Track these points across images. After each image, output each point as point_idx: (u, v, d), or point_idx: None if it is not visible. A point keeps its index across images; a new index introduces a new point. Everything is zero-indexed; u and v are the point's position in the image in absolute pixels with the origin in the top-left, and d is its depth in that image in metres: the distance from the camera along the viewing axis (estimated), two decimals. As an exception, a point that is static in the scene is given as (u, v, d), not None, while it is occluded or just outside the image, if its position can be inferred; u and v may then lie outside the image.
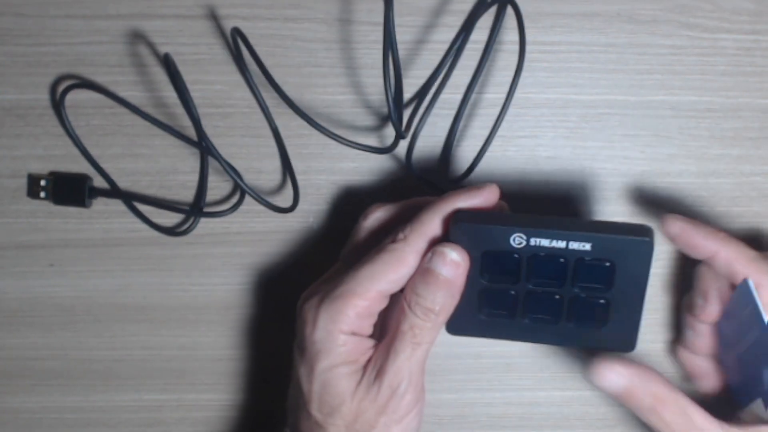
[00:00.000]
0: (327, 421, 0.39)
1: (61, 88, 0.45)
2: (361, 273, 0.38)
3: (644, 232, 0.36)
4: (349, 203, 0.46)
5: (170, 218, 0.47)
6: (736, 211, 0.46)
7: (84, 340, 0.48)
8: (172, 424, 0.49)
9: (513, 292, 0.39)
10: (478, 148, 0.45)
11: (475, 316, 0.40)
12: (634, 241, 0.36)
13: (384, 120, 0.45)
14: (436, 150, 0.46)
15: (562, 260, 0.37)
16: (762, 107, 0.45)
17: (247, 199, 0.46)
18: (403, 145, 0.45)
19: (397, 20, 0.42)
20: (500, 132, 0.45)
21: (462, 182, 0.45)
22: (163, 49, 0.44)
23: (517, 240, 0.37)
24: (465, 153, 0.46)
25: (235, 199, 0.46)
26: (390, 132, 0.45)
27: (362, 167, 0.46)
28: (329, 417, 0.39)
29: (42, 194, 0.46)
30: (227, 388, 0.48)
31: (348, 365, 0.39)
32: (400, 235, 0.38)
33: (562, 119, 0.46)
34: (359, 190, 0.46)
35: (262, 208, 0.46)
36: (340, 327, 0.38)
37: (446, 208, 0.39)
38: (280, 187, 0.46)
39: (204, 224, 0.46)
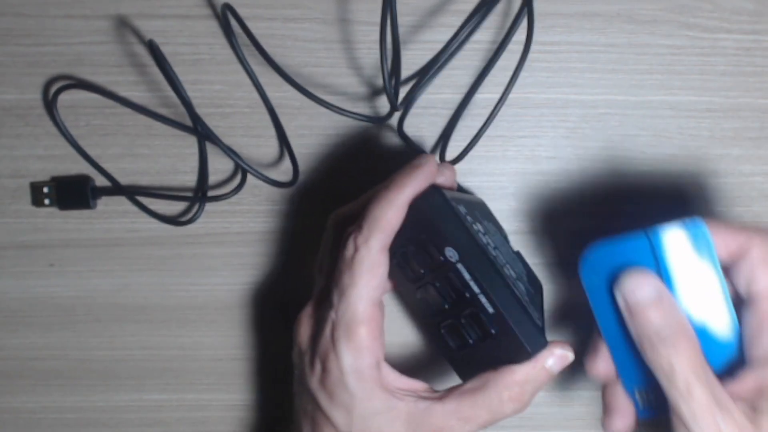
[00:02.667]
0: None
1: (53, 89, 0.45)
2: (352, 296, 0.37)
3: (538, 343, 0.37)
4: (350, 189, 0.46)
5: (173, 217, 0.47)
6: (736, 211, 0.46)
7: (84, 340, 0.48)
8: (172, 424, 0.49)
9: (422, 271, 0.39)
10: (476, 148, 0.45)
11: (392, 259, 0.39)
12: (522, 345, 0.37)
13: (385, 118, 0.45)
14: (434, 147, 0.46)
15: (467, 295, 0.37)
16: (762, 107, 0.45)
17: (248, 199, 0.46)
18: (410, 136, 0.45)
19: (400, 8, 0.42)
20: (500, 132, 0.45)
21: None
22: (163, 50, 0.44)
23: (449, 253, 0.37)
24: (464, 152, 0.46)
25: (236, 182, 0.46)
26: (389, 127, 0.46)
27: (362, 151, 0.46)
28: None
29: (46, 201, 0.46)
30: (227, 388, 0.48)
31: (389, 411, 0.37)
32: (360, 239, 0.37)
33: (562, 119, 0.46)
34: (361, 177, 0.46)
35: (262, 208, 0.46)
36: (368, 362, 0.37)
37: (398, 199, 0.37)
38: (280, 186, 0.46)
39: (204, 224, 0.46)
